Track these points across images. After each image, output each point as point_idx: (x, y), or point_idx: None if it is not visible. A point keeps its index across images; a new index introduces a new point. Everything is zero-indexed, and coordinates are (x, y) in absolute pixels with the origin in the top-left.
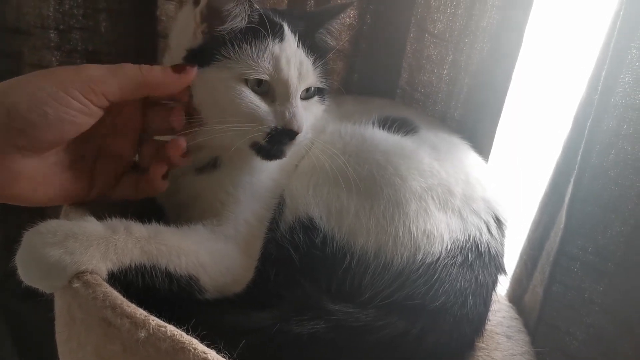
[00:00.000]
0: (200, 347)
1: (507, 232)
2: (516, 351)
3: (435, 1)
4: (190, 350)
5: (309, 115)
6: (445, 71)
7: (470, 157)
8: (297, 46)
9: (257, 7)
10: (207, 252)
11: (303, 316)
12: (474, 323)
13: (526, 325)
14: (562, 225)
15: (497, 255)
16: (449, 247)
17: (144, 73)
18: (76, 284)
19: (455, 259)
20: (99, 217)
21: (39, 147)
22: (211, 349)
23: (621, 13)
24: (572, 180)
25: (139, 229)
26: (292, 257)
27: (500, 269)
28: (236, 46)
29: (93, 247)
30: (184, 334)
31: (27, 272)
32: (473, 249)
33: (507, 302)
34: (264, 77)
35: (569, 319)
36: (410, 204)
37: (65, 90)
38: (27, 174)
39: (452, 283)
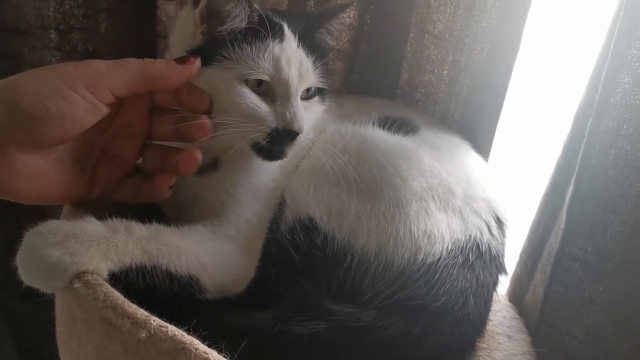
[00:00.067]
0: (202, 347)
1: (507, 232)
2: (517, 351)
3: (435, 2)
4: (191, 350)
5: (309, 116)
6: (445, 71)
7: (470, 157)
8: (297, 46)
9: (257, 7)
10: (208, 252)
11: (304, 316)
12: (475, 323)
13: (527, 325)
14: (562, 225)
15: (497, 255)
16: (449, 248)
17: (148, 66)
18: (77, 284)
19: (456, 259)
20: (100, 217)
21: (40, 143)
22: (212, 349)
23: (621, 13)
24: (572, 180)
25: (139, 229)
26: (293, 257)
27: (501, 269)
28: (236, 47)
29: (94, 248)
30: (185, 334)
31: (27, 272)
32: (474, 249)
33: (507, 302)
34: (265, 77)
35: (569, 319)
36: (411, 204)
37: (70, 85)
38: (28, 171)
39: (453, 283)
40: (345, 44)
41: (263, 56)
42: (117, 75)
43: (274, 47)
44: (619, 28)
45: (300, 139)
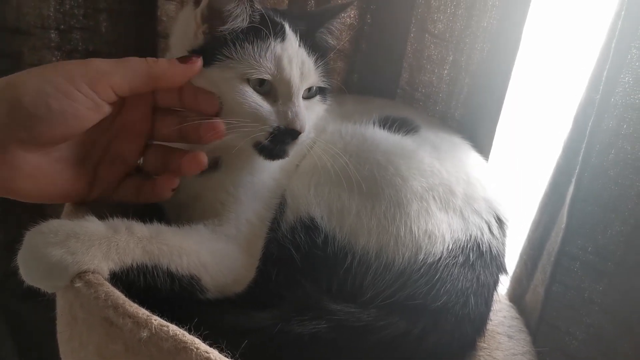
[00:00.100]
0: (203, 346)
1: (508, 232)
2: (517, 351)
3: (435, 1)
4: (192, 349)
5: (311, 115)
6: (445, 71)
7: (471, 157)
8: (299, 46)
9: (259, 7)
10: (209, 252)
11: (304, 316)
12: (476, 323)
13: (527, 325)
14: (563, 225)
15: (498, 255)
16: (450, 247)
17: (150, 64)
18: (78, 284)
19: (456, 258)
20: (101, 216)
21: (41, 141)
22: (213, 348)
23: (622, 13)
24: (573, 180)
25: (140, 228)
26: (294, 257)
27: (501, 268)
28: (238, 46)
29: (95, 247)
30: (186, 333)
31: (28, 271)
32: (474, 248)
33: (508, 302)
34: (266, 76)
35: (569, 319)
36: (412, 204)
37: (72, 82)
38: (28, 170)
39: (453, 283)
40: (346, 43)
41: (265, 55)
42: (119, 74)
43: (275, 46)
44: (620, 28)
45: (302, 138)
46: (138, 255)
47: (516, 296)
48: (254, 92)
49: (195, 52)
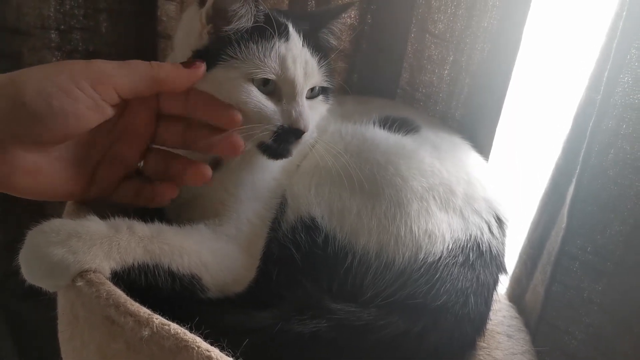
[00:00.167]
0: (204, 345)
1: (507, 232)
2: (517, 350)
3: (436, 1)
4: (193, 348)
5: (314, 115)
6: (446, 71)
7: (471, 157)
8: (302, 46)
9: (263, 7)
10: (210, 252)
11: (304, 315)
12: (475, 322)
13: (527, 325)
14: (563, 225)
15: (498, 254)
16: (450, 247)
17: (154, 68)
18: (79, 283)
19: (456, 258)
20: (102, 216)
21: (41, 141)
22: (214, 347)
23: (624, 14)
24: (573, 180)
25: (141, 228)
26: (294, 257)
27: (501, 268)
28: (242, 46)
29: (96, 246)
30: (187, 332)
31: (30, 270)
32: (474, 248)
33: (507, 302)
34: (271, 76)
35: (569, 319)
36: (412, 203)
37: (74, 82)
38: (26, 167)
39: (453, 282)
40: (346, 43)
41: (269, 55)
42: (123, 76)
43: (279, 46)
44: (622, 28)
45: (306, 137)
46: (139, 255)
47: (516, 296)
48: (259, 92)
49: (199, 52)
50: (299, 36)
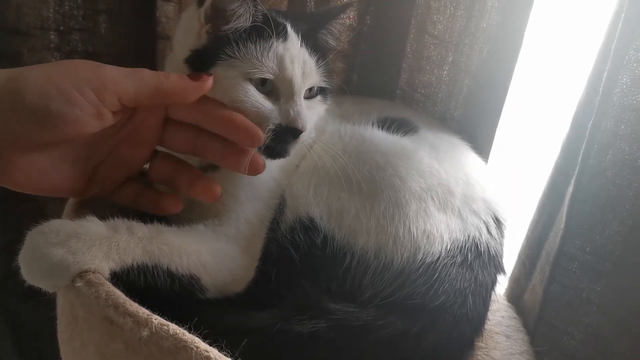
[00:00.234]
0: (203, 345)
1: (506, 232)
2: (515, 350)
3: (435, 2)
4: (192, 348)
5: (312, 115)
6: (445, 72)
7: (469, 158)
8: (301, 46)
9: (262, 7)
10: (209, 252)
11: (303, 315)
12: (474, 322)
13: (525, 325)
14: (562, 225)
15: (496, 255)
16: (448, 247)
17: (161, 79)
18: (79, 283)
19: (454, 258)
20: (102, 216)
21: (38, 142)
22: (213, 347)
23: (622, 15)
24: (572, 180)
25: (141, 228)
26: (293, 257)
27: (499, 268)
28: (241, 45)
29: (96, 247)
30: (186, 332)
31: (30, 271)
32: (472, 249)
33: (506, 302)
34: (269, 76)
35: (567, 319)
36: (410, 204)
37: (77, 87)
38: (23, 165)
39: (451, 283)
40: (345, 44)
41: (267, 55)
42: (128, 84)
43: (277, 46)
44: (620, 29)
45: (303, 137)
46: (138, 255)
47: (514, 296)
48: (256, 91)
49: (198, 52)
50: (298, 36)
